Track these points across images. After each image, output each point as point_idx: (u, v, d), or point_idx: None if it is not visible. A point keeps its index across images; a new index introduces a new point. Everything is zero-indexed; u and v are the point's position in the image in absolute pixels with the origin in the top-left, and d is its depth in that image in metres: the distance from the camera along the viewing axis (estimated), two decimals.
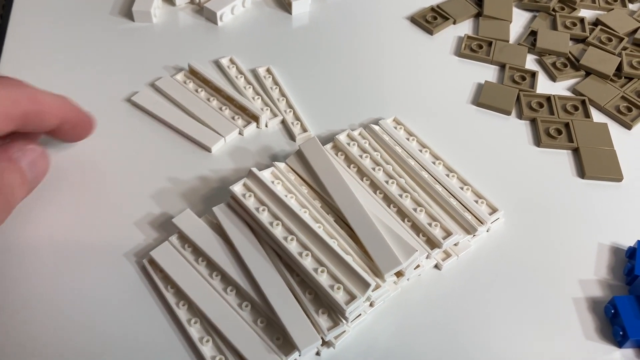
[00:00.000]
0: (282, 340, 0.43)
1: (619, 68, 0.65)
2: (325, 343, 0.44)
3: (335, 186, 0.50)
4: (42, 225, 0.50)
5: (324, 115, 0.60)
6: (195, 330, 0.44)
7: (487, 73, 0.66)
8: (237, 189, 0.49)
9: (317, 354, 0.44)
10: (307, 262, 0.45)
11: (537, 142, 0.59)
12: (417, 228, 0.49)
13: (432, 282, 0.49)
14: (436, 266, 0.49)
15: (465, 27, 0.71)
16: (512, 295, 0.48)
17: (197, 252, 0.48)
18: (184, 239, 0.49)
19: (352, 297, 0.43)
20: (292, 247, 0.45)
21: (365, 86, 0.64)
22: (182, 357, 0.43)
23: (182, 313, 0.45)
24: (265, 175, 0.50)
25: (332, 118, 0.60)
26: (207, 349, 0.43)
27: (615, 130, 0.61)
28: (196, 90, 0.61)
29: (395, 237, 0.47)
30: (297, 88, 0.63)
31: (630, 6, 0.74)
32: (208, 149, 0.56)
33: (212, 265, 0.47)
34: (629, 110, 0.62)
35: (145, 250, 0.49)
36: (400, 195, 0.51)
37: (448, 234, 0.49)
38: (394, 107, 0.61)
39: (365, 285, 0.43)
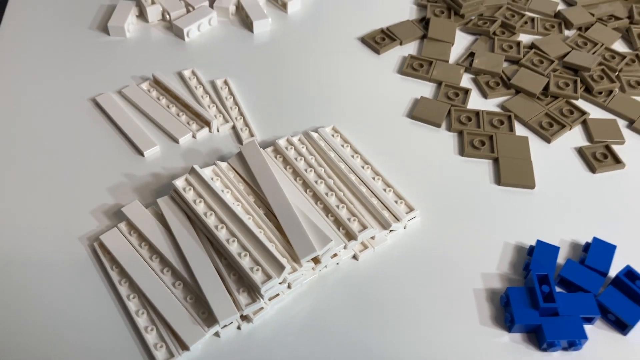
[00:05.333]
0: (207, 314, 0.49)
1: (547, 88, 0.71)
2: (246, 318, 0.50)
3: (267, 183, 0.56)
4: (4, 209, 0.57)
5: (273, 122, 0.67)
6: (133, 304, 0.51)
7: (425, 90, 0.72)
8: (179, 183, 0.55)
9: (239, 328, 0.50)
10: (233, 247, 0.51)
11: (462, 152, 0.65)
12: (338, 222, 0.55)
13: (349, 270, 0.55)
14: (354, 256, 0.55)
15: (411, 48, 0.78)
16: (420, 284, 0.54)
17: (141, 237, 0.54)
18: (131, 226, 0.55)
19: (268, 278, 0.49)
20: (222, 234, 0.52)
21: (313, 98, 0.70)
22: (119, 327, 0.50)
23: (123, 289, 0.51)
24: (206, 172, 0.57)
25: (280, 125, 0.67)
26: (141, 320, 0.50)
27: (536, 143, 0.67)
28: (158, 98, 0.68)
29: (314, 228, 0.53)
30: (251, 98, 0.70)
31: (566, 32, 0.80)
32: (159, 151, 0.63)
33: (152, 249, 0.53)
34: (551, 125, 0.68)
35: (97, 235, 0.55)
36: (327, 194, 0.57)
37: (364, 227, 0.55)
38: (336, 117, 0.68)
39: (281, 267, 0.49)
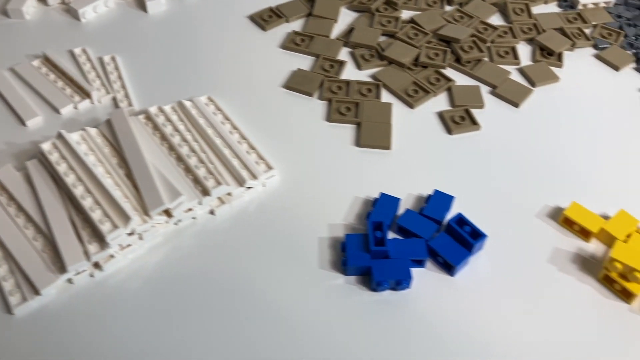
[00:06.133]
0: (61, 263, 0.54)
1: (419, 58, 0.76)
2: (99, 267, 0.54)
3: (129, 146, 0.61)
4: None
5: (157, 94, 0.71)
6: None
7: (305, 63, 0.76)
8: (45, 146, 0.60)
9: (91, 275, 0.54)
10: (87, 202, 0.55)
11: (328, 118, 0.69)
12: (196, 180, 0.60)
13: (206, 224, 0.59)
14: (211, 212, 0.60)
15: (297, 25, 0.82)
16: (270, 235, 0.58)
17: (10, 197, 0.58)
18: (2, 187, 0.59)
19: (115, 228, 0.53)
20: (78, 191, 0.56)
21: (198, 73, 0.74)
22: None
23: None
24: (73, 136, 0.61)
25: (163, 97, 0.71)
26: (1, 271, 0.54)
27: (401, 109, 0.71)
28: (47, 74, 0.72)
29: (167, 185, 0.57)
30: (139, 73, 0.74)
31: (448, 8, 0.85)
32: (42, 120, 0.67)
33: (19, 208, 0.57)
34: (416, 92, 0.72)
35: None
36: (188, 156, 0.61)
37: (218, 184, 0.59)
38: (217, 89, 0.72)
39: (127, 218, 0.54)
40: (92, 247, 0.53)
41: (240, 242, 0.58)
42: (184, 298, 0.53)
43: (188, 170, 0.60)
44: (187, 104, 0.67)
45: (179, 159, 0.61)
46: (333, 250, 0.57)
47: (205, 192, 0.59)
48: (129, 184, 0.58)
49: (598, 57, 0.80)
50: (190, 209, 0.58)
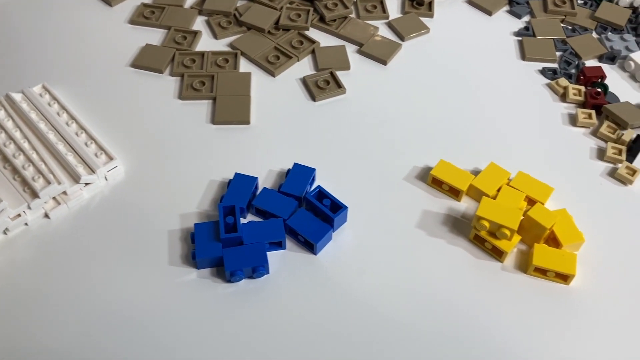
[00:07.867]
0: None
1: (280, 21, 0.70)
2: None
3: None
4: None
5: None
6: None
7: (155, 37, 0.70)
8: None
9: None
10: None
11: (180, 96, 0.63)
12: (24, 183, 0.53)
13: (40, 230, 0.53)
14: (46, 215, 0.53)
15: None
16: (114, 234, 0.52)
17: None
18: None
19: None
20: None
21: (32, 60, 0.67)
22: None
23: None
24: None
25: None
26: None
27: (262, 78, 0.66)
28: None
29: None
30: None
31: None
32: None
33: None
34: (277, 59, 0.67)
35: None
36: (14, 155, 0.54)
37: (48, 184, 0.52)
38: (54, 76, 0.65)
39: None
40: None
41: (81, 246, 0.52)
42: (19, 317, 0.47)
43: (15, 171, 0.54)
44: (17, 96, 0.60)
45: (5, 160, 0.54)
46: (184, 243, 0.52)
47: (34, 194, 0.52)
48: None
49: (470, 2, 0.77)
50: (18, 215, 0.52)
